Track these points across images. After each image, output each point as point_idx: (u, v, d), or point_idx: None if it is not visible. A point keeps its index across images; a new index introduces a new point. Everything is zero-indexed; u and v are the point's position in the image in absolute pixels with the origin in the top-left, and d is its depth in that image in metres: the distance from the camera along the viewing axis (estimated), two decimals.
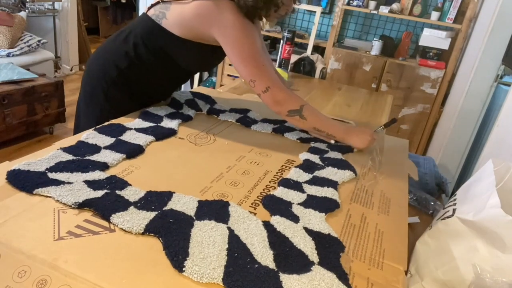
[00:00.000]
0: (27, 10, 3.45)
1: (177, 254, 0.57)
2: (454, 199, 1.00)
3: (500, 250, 0.80)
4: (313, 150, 1.03)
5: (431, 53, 2.79)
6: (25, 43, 3.19)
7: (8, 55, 3.00)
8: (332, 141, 1.09)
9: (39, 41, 3.28)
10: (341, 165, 0.95)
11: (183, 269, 0.55)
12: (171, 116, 1.11)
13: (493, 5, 2.39)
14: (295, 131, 1.15)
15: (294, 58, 2.04)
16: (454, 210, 0.93)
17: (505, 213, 0.77)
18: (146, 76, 1.10)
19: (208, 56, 1.08)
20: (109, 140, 0.90)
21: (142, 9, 3.81)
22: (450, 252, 0.90)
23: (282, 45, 1.89)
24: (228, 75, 3.44)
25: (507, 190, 0.95)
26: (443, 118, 2.76)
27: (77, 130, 1.18)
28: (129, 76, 1.08)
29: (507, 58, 2.17)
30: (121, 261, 0.55)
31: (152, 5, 1.05)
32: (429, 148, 2.89)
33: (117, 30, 1.14)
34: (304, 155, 1.00)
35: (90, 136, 0.90)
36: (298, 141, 1.10)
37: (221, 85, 1.58)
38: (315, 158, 0.99)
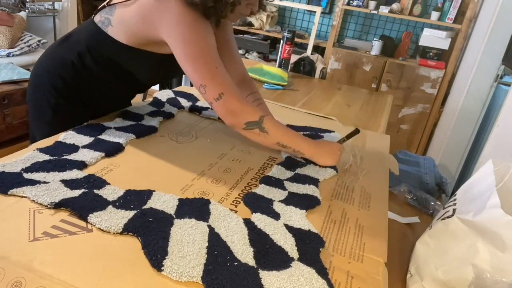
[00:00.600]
0: (27, 10, 3.45)
1: (156, 253, 0.56)
2: (454, 199, 1.00)
3: (500, 250, 0.80)
4: None
5: (431, 53, 2.78)
6: (25, 43, 3.19)
7: (8, 55, 3.00)
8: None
9: (39, 41, 3.27)
10: None
11: (162, 268, 0.54)
12: (152, 114, 1.10)
13: (493, 5, 2.39)
14: None
15: (294, 58, 2.04)
16: (454, 210, 0.93)
17: (505, 213, 0.77)
18: (97, 87, 1.00)
19: (162, 67, 0.97)
20: (87, 140, 0.89)
21: None
22: (450, 252, 0.90)
23: (282, 45, 1.89)
24: None
25: (507, 190, 0.95)
26: (443, 118, 2.75)
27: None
28: (77, 87, 0.98)
29: (507, 58, 2.17)
30: (98, 261, 0.55)
31: (99, 10, 0.95)
32: (429, 148, 2.89)
33: None
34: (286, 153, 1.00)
35: (68, 136, 0.89)
36: None
37: None
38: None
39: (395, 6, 2.78)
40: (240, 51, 3.50)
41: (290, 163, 0.94)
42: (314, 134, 1.16)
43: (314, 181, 0.86)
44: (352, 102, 1.64)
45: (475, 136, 2.58)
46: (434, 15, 2.72)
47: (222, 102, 0.83)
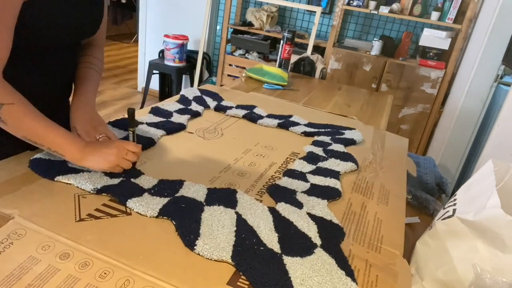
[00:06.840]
0: None
1: (189, 234, 0.61)
2: (454, 199, 1.00)
3: (500, 250, 0.81)
4: (316, 143, 1.07)
5: (431, 53, 2.78)
6: None
7: None
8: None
9: None
10: (344, 157, 0.99)
11: (194, 247, 0.59)
12: (180, 112, 1.15)
13: (493, 5, 2.39)
14: (300, 126, 1.19)
15: (294, 58, 2.04)
16: (454, 210, 0.93)
17: (505, 213, 0.77)
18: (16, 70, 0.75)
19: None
20: (122, 134, 0.94)
21: (142, 9, 3.81)
22: (450, 252, 0.90)
23: (282, 45, 1.89)
24: (228, 75, 3.44)
25: (507, 190, 0.95)
26: (443, 118, 2.75)
27: None
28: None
29: (507, 58, 2.17)
30: (137, 240, 0.60)
31: None
32: (429, 148, 2.89)
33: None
34: (308, 148, 1.04)
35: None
36: (302, 135, 1.14)
37: (221, 85, 1.59)
38: (318, 151, 1.02)
39: (395, 6, 2.78)
40: (240, 51, 3.49)
41: (312, 157, 0.99)
42: (335, 131, 1.19)
43: (335, 174, 0.90)
44: (352, 102, 1.64)
45: (475, 136, 2.58)
46: (434, 15, 2.72)
47: None
